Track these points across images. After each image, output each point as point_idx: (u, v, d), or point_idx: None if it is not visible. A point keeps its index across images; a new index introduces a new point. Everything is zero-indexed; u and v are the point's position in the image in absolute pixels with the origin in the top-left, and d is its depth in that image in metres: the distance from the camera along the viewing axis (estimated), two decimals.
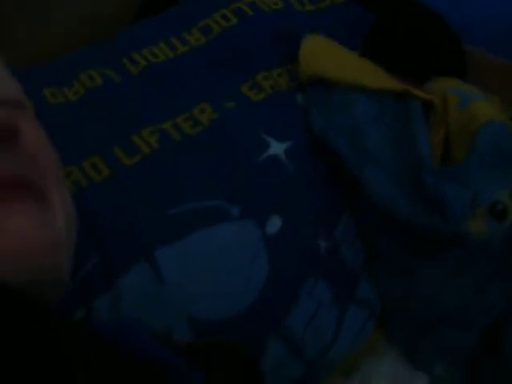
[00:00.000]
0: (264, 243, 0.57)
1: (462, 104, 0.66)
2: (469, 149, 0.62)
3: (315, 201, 0.63)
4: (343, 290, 0.63)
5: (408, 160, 0.62)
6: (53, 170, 0.39)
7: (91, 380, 0.31)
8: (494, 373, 0.67)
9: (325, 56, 0.69)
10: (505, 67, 0.96)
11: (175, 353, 0.46)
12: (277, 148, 0.63)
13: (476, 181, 0.60)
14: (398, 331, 0.69)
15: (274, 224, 0.58)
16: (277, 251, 0.58)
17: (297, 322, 0.59)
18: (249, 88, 0.67)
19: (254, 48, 0.71)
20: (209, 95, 0.65)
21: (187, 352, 0.49)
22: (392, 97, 0.67)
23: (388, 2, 0.86)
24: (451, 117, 0.66)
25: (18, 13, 0.73)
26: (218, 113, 0.64)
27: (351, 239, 0.65)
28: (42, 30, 0.76)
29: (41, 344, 0.30)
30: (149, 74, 0.66)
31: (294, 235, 0.59)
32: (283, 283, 0.58)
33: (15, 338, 0.29)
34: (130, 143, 0.59)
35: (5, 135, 0.36)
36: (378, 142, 0.63)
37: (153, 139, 0.60)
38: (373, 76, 0.68)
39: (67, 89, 0.64)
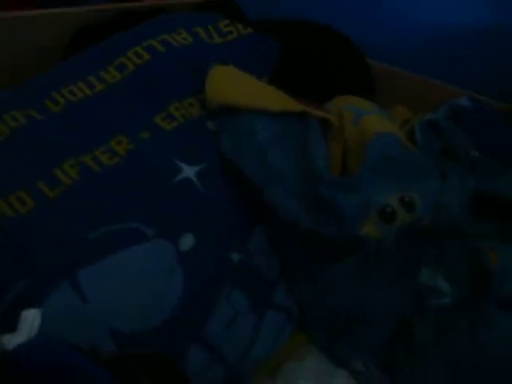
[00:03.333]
0: (178, 259, 0.63)
1: (355, 119, 0.73)
2: (361, 160, 0.69)
3: (227, 218, 0.69)
4: (259, 297, 0.69)
5: (307, 174, 0.68)
6: None
7: None
8: (407, 361, 0.73)
9: (230, 84, 0.75)
10: (410, 79, 1.04)
11: (96, 363, 0.51)
12: (188, 172, 0.69)
13: (367, 188, 0.66)
14: (316, 332, 0.74)
15: (187, 241, 0.64)
16: (191, 266, 0.63)
17: (215, 330, 0.64)
18: (162, 119, 0.73)
19: (167, 81, 0.77)
20: (125, 127, 0.71)
21: (111, 363, 0.54)
22: (294, 118, 0.73)
23: (292, 29, 0.94)
24: (347, 132, 0.73)
25: None
26: (133, 143, 0.70)
27: (265, 250, 0.71)
28: None
29: None
30: (69, 111, 0.72)
31: (207, 250, 0.65)
32: (199, 294, 0.63)
33: None
34: (52, 176, 0.64)
35: None
36: (281, 160, 0.70)
37: (73, 171, 0.65)
38: (275, 100, 0.75)
39: None
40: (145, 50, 0.79)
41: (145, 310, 0.60)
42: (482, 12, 1.17)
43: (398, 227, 0.66)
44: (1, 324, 0.54)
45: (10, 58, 0.88)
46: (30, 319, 0.52)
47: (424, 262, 0.71)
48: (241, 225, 0.70)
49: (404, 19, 1.18)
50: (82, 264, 0.59)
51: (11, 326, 0.53)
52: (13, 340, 0.50)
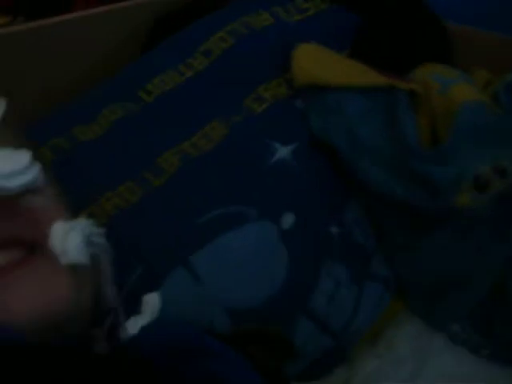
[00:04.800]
0: (281, 238, 0.66)
1: (442, 89, 0.74)
2: (451, 130, 0.70)
3: (323, 193, 0.72)
4: (358, 269, 0.72)
5: (398, 147, 0.70)
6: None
7: None
8: (504, 323, 0.74)
9: (315, 62, 0.77)
10: (490, 39, 1.03)
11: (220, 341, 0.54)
12: (283, 151, 0.71)
13: (459, 158, 0.67)
14: (414, 299, 0.76)
15: (288, 220, 0.67)
16: (293, 243, 0.66)
17: (319, 302, 0.67)
18: (252, 101, 0.76)
19: (253, 63, 0.79)
20: (218, 112, 0.74)
21: (230, 339, 0.58)
22: (380, 91, 0.75)
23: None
24: (434, 102, 0.74)
25: None
26: (227, 128, 0.73)
27: (361, 223, 0.74)
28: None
29: None
30: (162, 100, 0.75)
31: (307, 227, 0.68)
32: (303, 270, 0.67)
33: None
34: (156, 166, 0.68)
35: None
36: (370, 134, 0.71)
37: (175, 159, 0.69)
38: (361, 75, 0.76)
39: (94, 125, 0.73)
40: (228, 33, 0.81)
41: (255, 287, 0.63)
42: None
43: (492, 194, 0.67)
44: (125, 309, 0.58)
45: (92, 54, 0.91)
46: (152, 302, 0.56)
47: None
48: (337, 199, 0.73)
49: None
50: (194, 248, 0.62)
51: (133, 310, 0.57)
52: (137, 322, 0.53)
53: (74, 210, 0.49)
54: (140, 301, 0.56)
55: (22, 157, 0.43)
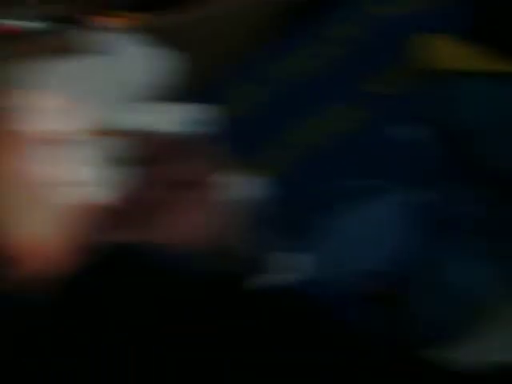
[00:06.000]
0: (412, 211, 0.71)
1: None
2: None
3: (453, 178, 0.76)
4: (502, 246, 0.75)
5: None
6: None
7: None
8: None
9: (438, 50, 0.81)
10: None
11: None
12: (410, 134, 0.77)
13: None
14: None
15: (420, 195, 0.72)
16: (422, 217, 0.71)
17: (451, 276, 0.71)
18: (379, 87, 0.81)
19: (377, 51, 0.84)
20: (350, 97, 0.80)
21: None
22: (507, 78, 0.78)
23: None
24: None
25: None
26: (361, 111, 0.79)
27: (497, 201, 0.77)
28: None
29: None
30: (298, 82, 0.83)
31: (438, 203, 0.73)
32: (433, 243, 0.71)
33: None
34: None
35: None
36: (498, 121, 0.75)
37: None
38: (485, 61, 0.79)
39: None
40: (353, 24, 0.87)
41: (391, 253, 0.68)
42: None
43: None
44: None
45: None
46: (303, 262, 0.61)
47: None
48: (463, 178, 0.76)
49: None
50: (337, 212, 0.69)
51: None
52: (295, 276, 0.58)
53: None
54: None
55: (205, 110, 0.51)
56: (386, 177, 0.72)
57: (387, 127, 0.77)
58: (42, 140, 0.49)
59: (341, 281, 0.61)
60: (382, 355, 0.47)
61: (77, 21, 1.25)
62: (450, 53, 0.82)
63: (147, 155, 0.50)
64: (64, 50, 0.66)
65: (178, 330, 0.37)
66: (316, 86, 0.82)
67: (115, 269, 0.40)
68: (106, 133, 0.49)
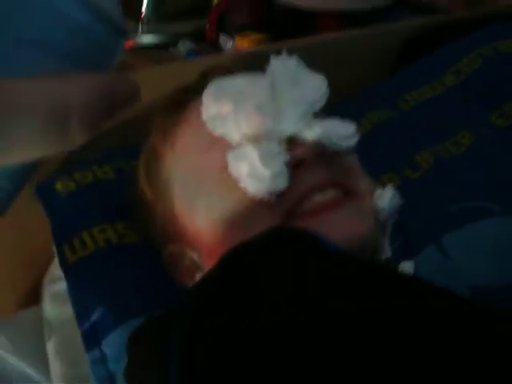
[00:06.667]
0: None
1: None
2: None
3: None
4: None
5: None
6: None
7: None
8: None
9: None
10: None
11: None
12: None
13: None
14: None
15: None
16: None
17: None
18: (496, 117, 0.87)
19: (500, 83, 0.91)
20: (467, 124, 0.86)
21: None
22: None
23: None
24: None
25: None
26: (475, 137, 0.85)
27: None
28: None
29: None
30: (419, 110, 0.89)
31: None
32: None
33: None
34: (413, 162, 0.82)
35: None
36: None
37: (430, 158, 0.82)
38: None
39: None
40: (478, 55, 0.93)
41: (496, 270, 0.74)
42: None
43: None
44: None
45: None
46: (407, 267, 0.68)
47: None
48: None
49: None
50: (445, 230, 0.74)
51: None
52: None
53: None
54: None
55: (352, 125, 0.59)
56: (493, 199, 0.77)
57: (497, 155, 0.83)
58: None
59: None
60: None
61: (207, 38, 1.36)
62: None
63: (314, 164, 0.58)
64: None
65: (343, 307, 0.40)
66: (441, 113, 0.89)
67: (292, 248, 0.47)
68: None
